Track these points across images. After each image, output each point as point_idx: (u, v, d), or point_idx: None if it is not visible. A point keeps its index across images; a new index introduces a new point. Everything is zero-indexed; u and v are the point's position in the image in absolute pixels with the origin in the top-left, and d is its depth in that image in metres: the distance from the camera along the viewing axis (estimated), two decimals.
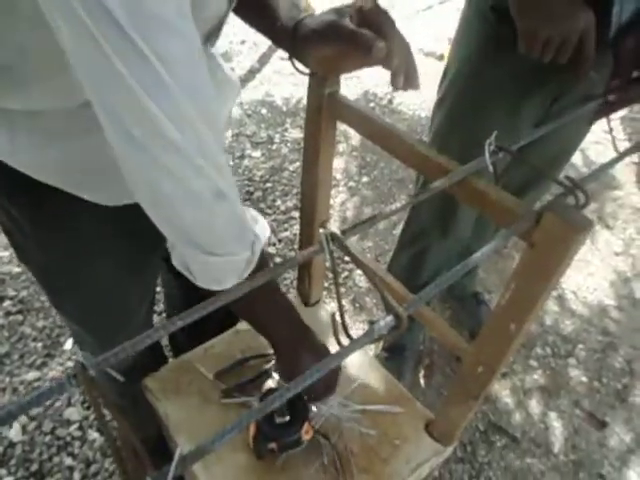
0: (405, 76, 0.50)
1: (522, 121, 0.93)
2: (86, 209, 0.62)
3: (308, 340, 0.70)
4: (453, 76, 0.97)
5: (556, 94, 0.90)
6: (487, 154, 0.52)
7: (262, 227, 0.56)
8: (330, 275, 1.29)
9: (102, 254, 0.71)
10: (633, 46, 0.70)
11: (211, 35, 0.57)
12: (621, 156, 0.55)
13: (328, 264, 0.87)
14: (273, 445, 0.73)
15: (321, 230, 0.44)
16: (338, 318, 0.44)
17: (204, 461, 0.75)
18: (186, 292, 1.05)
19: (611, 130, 0.63)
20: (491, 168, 0.52)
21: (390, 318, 0.42)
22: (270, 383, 0.79)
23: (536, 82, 0.87)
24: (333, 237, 0.45)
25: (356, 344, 0.40)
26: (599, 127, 0.64)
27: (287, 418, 0.74)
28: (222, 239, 0.49)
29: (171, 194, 0.43)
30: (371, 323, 1.47)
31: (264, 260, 0.56)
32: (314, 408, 0.79)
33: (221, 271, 0.51)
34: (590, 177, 0.52)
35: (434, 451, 0.77)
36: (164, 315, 1.40)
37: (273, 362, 0.86)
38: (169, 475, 0.32)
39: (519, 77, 0.87)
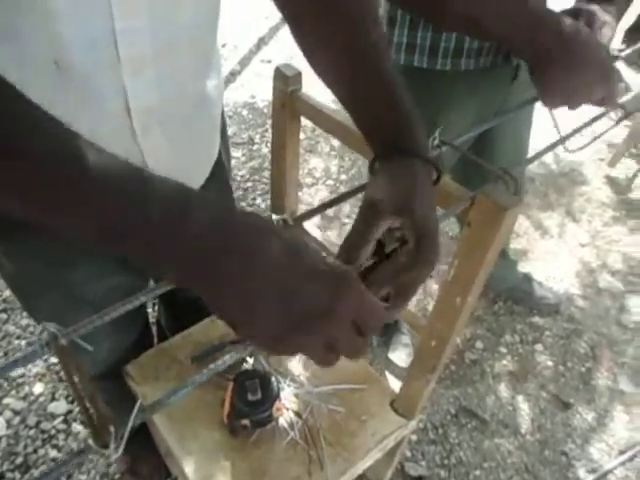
0: None
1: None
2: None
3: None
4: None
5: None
6: (430, 148, 0.58)
7: None
8: None
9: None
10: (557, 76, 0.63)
11: None
12: (556, 144, 0.61)
13: None
14: (246, 422, 0.78)
15: (274, 216, 0.50)
16: None
17: (181, 438, 0.79)
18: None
19: (555, 121, 0.68)
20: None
21: None
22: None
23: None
24: (285, 222, 0.50)
25: None
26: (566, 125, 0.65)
27: (259, 396, 0.79)
28: None
29: None
30: None
31: None
32: (286, 387, 0.85)
33: None
34: (526, 163, 0.58)
35: (398, 424, 0.83)
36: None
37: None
38: (129, 424, 0.36)
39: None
